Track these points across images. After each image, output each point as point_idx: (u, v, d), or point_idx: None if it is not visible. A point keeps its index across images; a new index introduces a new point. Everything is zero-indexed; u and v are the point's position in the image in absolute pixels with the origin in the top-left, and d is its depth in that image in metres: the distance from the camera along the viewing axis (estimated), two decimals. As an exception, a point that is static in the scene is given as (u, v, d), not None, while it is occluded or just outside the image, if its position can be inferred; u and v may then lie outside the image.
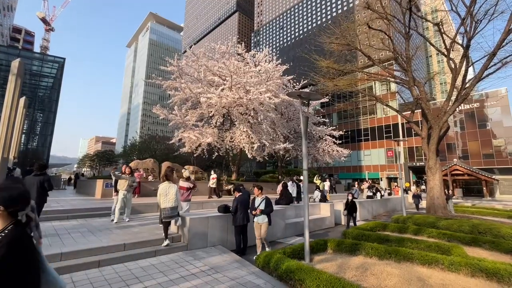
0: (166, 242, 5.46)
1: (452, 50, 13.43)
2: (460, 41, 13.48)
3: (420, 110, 14.85)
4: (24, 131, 27.32)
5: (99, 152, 76.73)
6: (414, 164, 42.07)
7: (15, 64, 6.10)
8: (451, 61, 13.00)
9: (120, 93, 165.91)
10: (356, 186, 17.22)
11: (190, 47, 17.41)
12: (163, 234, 5.55)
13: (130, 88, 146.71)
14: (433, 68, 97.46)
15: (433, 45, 15.04)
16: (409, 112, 15.52)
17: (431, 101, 42.73)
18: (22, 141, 29.91)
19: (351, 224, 9.21)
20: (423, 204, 15.93)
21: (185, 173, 7.98)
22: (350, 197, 9.17)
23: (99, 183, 12.83)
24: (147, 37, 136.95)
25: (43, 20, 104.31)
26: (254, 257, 5.29)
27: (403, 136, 42.27)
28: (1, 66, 34.39)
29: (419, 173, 43.06)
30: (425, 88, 14.82)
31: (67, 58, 37.10)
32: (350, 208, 9.15)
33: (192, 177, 7.95)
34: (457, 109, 13.64)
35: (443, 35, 13.25)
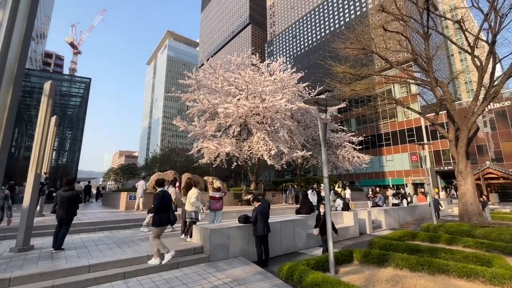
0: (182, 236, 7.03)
1: (476, 48, 12.77)
2: (484, 38, 12.81)
3: (445, 111, 14.14)
4: (54, 148, 29.06)
5: (122, 166, 79.82)
6: (442, 168, 39.78)
7: (46, 86, 6.56)
8: (476, 59, 12.35)
9: (141, 108, 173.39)
10: (371, 192, 16.20)
11: (207, 59, 17.93)
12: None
13: (150, 103, 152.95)
14: (456, 67, 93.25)
15: (455, 44, 14.41)
16: (433, 114, 14.81)
17: (456, 101, 40.67)
18: (53, 158, 31.85)
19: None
20: (453, 209, 14.88)
21: (216, 183, 8.19)
22: (322, 210, 6.53)
23: (123, 196, 13.28)
24: (165, 54, 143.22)
25: (71, 44, 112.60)
26: (277, 269, 5.15)
27: (428, 139, 40.28)
28: (35, 88, 37.22)
29: (448, 178, 40.59)
30: (449, 88, 14.15)
31: (92, 77, 39.43)
32: (322, 226, 6.22)
33: (218, 185, 8.11)
34: (486, 108, 12.83)
35: (465, 32, 12.68)
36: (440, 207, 15.19)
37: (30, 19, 2.06)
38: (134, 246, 6.06)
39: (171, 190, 7.82)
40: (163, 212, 5.18)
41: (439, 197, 23.45)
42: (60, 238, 5.66)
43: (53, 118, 9.48)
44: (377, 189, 17.03)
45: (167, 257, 5.06)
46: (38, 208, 9.61)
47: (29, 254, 5.42)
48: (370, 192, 15.92)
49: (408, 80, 15.60)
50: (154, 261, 5.04)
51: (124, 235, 7.34)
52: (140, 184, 12.66)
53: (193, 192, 7.04)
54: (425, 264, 5.23)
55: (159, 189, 5.43)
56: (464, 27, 12.61)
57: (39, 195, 8.51)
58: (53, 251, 5.51)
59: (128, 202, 13.07)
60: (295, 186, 18.33)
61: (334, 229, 6.03)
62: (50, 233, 7.17)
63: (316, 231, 6.39)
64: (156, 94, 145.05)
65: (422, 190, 27.69)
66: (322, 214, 6.49)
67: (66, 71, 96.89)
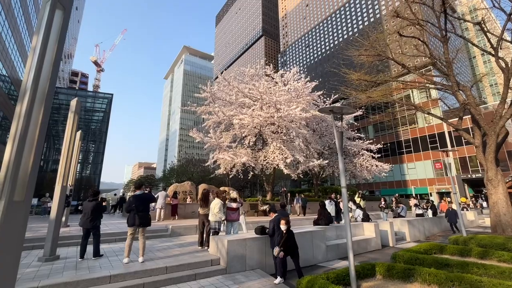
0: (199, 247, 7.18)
1: (501, 49, 12.19)
2: (509, 38, 12.25)
3: (470, 116, 13.47)
4: (79, 161, 30.55)
5: (141, 177, 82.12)
6: (469, 176, 37.54)
7: (73, 103, 6.97)
8: (500, 61, 11.77)
9: (159, 121, 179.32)
10: (383, 202, 14.93)
11: (221, 73, 18.39)
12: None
13: (168, 116, 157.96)
14: (479, 69, 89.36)
15: (476, 46, 13.86)
16: (457, 119, 14.16)
17: (481, 105, 38.71)
18: (78, 170, 33.43)
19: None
20: (485, 220, 13.79)
21: (233, 194, 8.22)
22: (284, 227, 5.41)
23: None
24: (181, 69, 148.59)
25: (95, 63, 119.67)
26: (296, 282, 5.00)
27: (452, 146, 38.35)
28: (62, 105, 39.68)
29: (476, 186, 38.19)
30: (472, 92, 13.52)
31: (114, 92, 41.50)
32: (285, 243, 5.27)
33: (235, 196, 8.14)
34: (515, 111, 12.09)
35: (487, 34, 12.18)
36: (457, 219, 12.68)
37: (60, 43, 2.23)
38: (153, 257, 6.13)
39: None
40: (130, 214, 5.68)
41: (468, 206, 22.02)
42: (95, 246, 6.10)
43: (78, 133, 10.02)
44: (393, 198, 15.98)
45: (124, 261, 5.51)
46: (63, 219, 10.04)
47: (55, 263, 5.63)
48: (383, 202, 14.84)
49: (428, 84, 15.09)
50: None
51: (143, 246, 7.45)
52: (161, 195, 12.85)
53: (216, 202, 7.11)
54: (455, 280, 4.87)
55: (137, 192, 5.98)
56: (485, 29, 12.12)
57: (64, 207, 8.90)
58: (79, 260, 5.86)
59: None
60: (302, 195, 17.81)
61: (292, 247, 5.32)
62: (75, 243, 7.46)
63: (276, 251, 5.27)
64: (173, 107, 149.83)
65: (448, 199, 26.16)
66: (284, 231, 5.40)
67: (90, 87, 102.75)
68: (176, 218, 13.08)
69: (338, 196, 14.06)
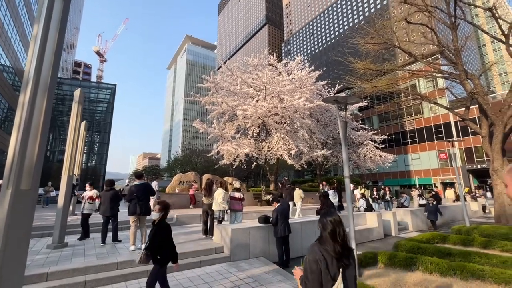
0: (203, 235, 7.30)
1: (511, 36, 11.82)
2: (521, 25, 11.82)
3: (477, 105, 13.22)
4: (84, 151, 30.95)
5: (146, 167, 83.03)
6: (475, 166, 37.25)
7: (76, 93, 6.98)
8: (511, 48, 11.43)
9: (163, 111, 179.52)
10: (375, 192, 14.67)
11: (225, 62, 18.17)
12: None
13: (171, 106, 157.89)
14: (488, 57, 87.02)
15: (486, 33, 13.42)
16: (464, 108, 13.91)
17: (489, 94, 37.85)
18: (83, 160, 33.87)
19: None
20: (491, 210, 13.66)
21: (236, 184, 8.31)
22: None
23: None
24: (184, 58, 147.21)
25: (98, 53, 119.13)
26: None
27: (458, 136, 37.89)
28: (66, 96, 39.85)
29: (482, 177, 37.89)
30: (480, 81, 13.20)
31: (117, 83, 41.44)
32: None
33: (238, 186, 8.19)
34: (524, 101, 11.82)
35: (498, 20, 11.77)
36: (439, 214, 11.18)
37: (61, 31, 2.20)
38: (159, 244, 6.27)
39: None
40: (130, 203, 5.84)
41: (472, 196, 21.92)
42: (114, 232, 6.57)
43: (83, 123, 10.08)
44: (386, 188, 15.62)
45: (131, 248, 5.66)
46: (70, 208, 10.25)
47: (64, 250, 5.79)
48: (375, 192, 14.56)
49: (435, 73, 14.76)
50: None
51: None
52: (153, 185, 12.82)
53: (219, 192, 7.19)
54: (457, 268, 4.91)
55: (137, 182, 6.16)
56: (497, 15, 11.70)
57: (71, 196, 9.07)
58: (101, 244, 6.26)
59: (155, 201, 13.57)
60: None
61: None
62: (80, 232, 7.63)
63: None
64: (176, 97, 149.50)
65: (452, 188, 26.03)
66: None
67: (93, 78, 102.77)
68: (191, 206, 13.39)
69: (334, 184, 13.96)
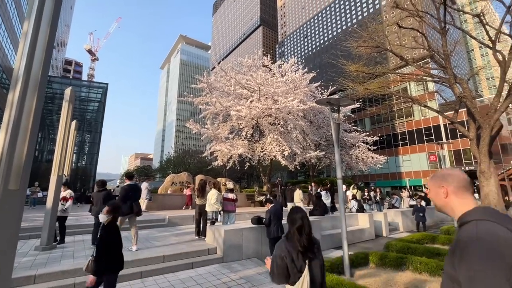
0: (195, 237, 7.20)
1: (498, 42, 12.16)
2: (507, 31, 12.19)
3: (465, 109, 13.56)
4: (74, 151, 30.32)
5: (138, 168, 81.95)
6: (463, 168, 38.11)
7: (67, 92, 6.85)
8: (498, 54, 11.77)
9: (156, 111, 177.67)
10: (366, 193, 14.71)
11: (219, 63, 18.12)
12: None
13: (164, 106, 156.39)
14: (476, 62, 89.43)
15: (474, 38, 13.80)
16: (452, 112, 14.24)
17: (477, 98, 38.85)
18: (73, 160, 33.19)
19: None
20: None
21: (230, 184, 8.29)
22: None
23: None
24: (178, 58, 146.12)
25: (89, 51, 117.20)
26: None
27: (447, 138, 38.71)
28: (56, 94, 38.97)
29: (470, 179, 38.82)
30: (469, 85, 13.54)
31: (109, 82, 40.85)
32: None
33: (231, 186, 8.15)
34: (510, 105, 12.19)
35: (486, 26, 12.11)
36: (423, 216, 10.90)
37: (52, 28, 2.17)
38: (150, 246, 6.20)
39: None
40: (125, 203, 5.67)
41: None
42: None
43: (73, 123, 9.90)
44: (377, 189, 15.78)
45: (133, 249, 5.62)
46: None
47: (52, 252, 5.67)
48: (366, 194, 14.48)
49: (425, 77, 15.08)
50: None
51: (140, 236, 7.50)
52: (144, 186, 12.42)
53: (213, 193, 7.16)
54: (446, 268, 5.01)
55: (127, 182, 5.99)
56: (484, 21, 12.05)
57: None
58: (92, 246, 6.12)
59: (148, 203, 13.35)
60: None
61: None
62: (71, 233, 7.48)
63: None
64: (169, 97, 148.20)
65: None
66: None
67: (84, 77, 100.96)
68: (184, 208, 13.27)
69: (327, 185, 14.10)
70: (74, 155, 34.95)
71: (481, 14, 11.97)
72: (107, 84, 41.48)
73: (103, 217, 3.18)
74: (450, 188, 1.27)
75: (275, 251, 2.16)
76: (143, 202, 12.31)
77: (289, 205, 12.28)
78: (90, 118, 43.67)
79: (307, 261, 2.06)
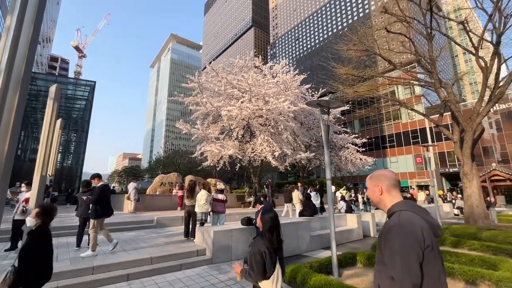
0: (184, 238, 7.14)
1: (481, 48, 12.67)
2: (489, 38, 12.71)
3: (450, 112, 14.03)
4: (60, 150, 29.40)
5: (126, 168, 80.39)
6: (447, 170, 39.39)
7: (52, 89, 6.63)
8: (480, 60, 12.25)
9: (145, 111, 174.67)
10: (353, 195, 14.92)
11: (210, 63, 18.03)
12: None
13: (154, 106, 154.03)
14: (460, 68, 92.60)
15: (458, 45, 14.31)
16: (438, 115, 14.70)
17: (461, 102, 40.25)
18: (58, 160, 32.17)
19: None
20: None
21: (220, 185, 8.22)
22: None
23: (126, 198, 13.34)
24: (168, 57, 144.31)
25: (77, 48, 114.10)
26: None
27: (432, 141, 39.95)
28: (41, 92, 37.72)
29: (453, 180, 40.16)
30: (453, 90, 14.03)
31: (97, 80, 39.83)
32: None
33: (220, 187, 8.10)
34: (491, 109, 12.70)
35: (469, 33, 12.59)
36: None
37: (36, 23, 2.10)
38: (138, 248, 6.08)
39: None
40: (100, 204, 5.49)
41: (445, 199, 23.08)
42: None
43: (59, 121, 9.59)
44: (365, 190, 16.16)
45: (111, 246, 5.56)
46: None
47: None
48: (353, 195, 14.80)
49: (412, 81, 15.52)
50: (87, 253, 5.31)
51: (128, 237, 7.37)
52: (131, 186, 12.31)
53: (202, 194, 7.10)
54: (430, 267, 5.15)
55: (100, 183, 5.77)
56: (468, 28, 12.52)
57: (44, 197, 8.58)
58: (76, 248, 5.94)
59: (136, 204, 13.11)
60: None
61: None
62: (55, 235, 7.25)
63: None
64: (159, 97, 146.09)
65: (426, 191, 27.35)
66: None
67: (71, 74, 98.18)
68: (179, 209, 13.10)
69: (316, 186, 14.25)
70: (59, 154, 33.87)
71: (465, 21, 12.41)
72: (94, 82, 40.47)
73: (31, 221, 2.59)
74: (384, 186, 1.49)
75: (253, 249, 2.32)
76: (131, 203, 12.11)
77: (287, 206, 12.29)
78: (77, 116, 42.50)
79: (277, 257, 2.36)
